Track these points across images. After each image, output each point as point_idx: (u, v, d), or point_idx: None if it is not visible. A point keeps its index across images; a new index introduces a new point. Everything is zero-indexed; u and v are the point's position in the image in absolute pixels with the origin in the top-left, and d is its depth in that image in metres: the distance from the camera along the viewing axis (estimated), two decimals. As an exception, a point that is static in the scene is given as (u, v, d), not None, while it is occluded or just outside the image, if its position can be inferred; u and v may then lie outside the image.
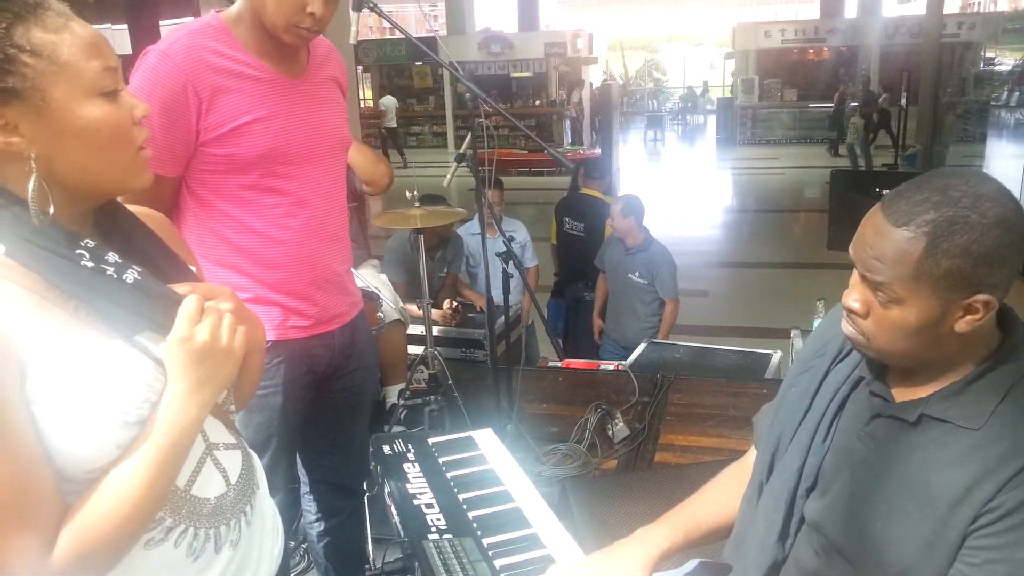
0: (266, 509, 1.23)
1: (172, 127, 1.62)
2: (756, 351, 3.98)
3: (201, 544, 1.04)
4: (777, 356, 3.91)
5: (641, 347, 4.09)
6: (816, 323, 3.78)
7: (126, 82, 1.00)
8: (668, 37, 39.85)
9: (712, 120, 21.86)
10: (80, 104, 0.91)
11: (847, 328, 1.15)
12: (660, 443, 2.98)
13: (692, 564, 1.53)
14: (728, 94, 21.36)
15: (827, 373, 1.26)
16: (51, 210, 0.91)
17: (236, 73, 1.66)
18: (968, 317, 1.05)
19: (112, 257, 0.95)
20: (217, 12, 1.72)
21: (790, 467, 1.24)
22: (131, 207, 1.11)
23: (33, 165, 0.90)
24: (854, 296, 1.12)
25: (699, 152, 19.80)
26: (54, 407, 0.89)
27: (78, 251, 0.92)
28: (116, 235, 1.03)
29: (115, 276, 0.93)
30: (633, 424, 3.05)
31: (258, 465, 1.22)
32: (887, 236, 1.04)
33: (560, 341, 4.09)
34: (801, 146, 18.39)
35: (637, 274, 4.34)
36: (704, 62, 34.63)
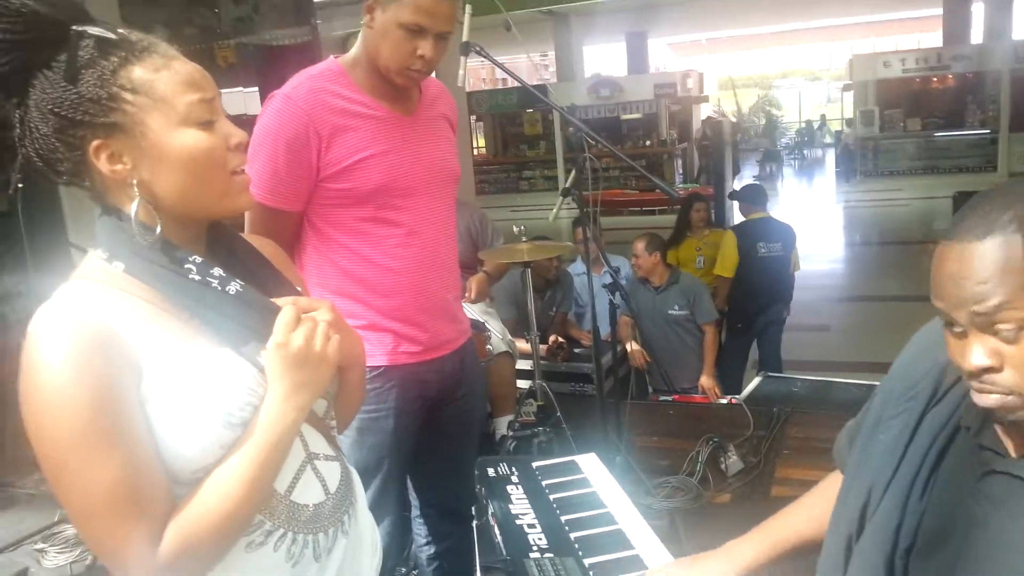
0: (364, 523, 1.26)
1: (295, 165, 1.74)
2: (878, 384, 3.79)
3: (300, 550, 1.08)
4: (902, 389, 3.72)
5: (756, 380, 3.97)
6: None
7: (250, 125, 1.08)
8: (782, 73, 39.07)
9: (831, 153, 21.22)
10: (175, 133, 0.99)
11: (988, 400, 0.93)
12: (776, 477, 2.87)
13: None
14: (846, 127, 20.70)
15: (921, 418, 1.09)
16: (158, 230, 1.00)
17: (353, 113, 1.78)
18: None
19: (217, 271, 1.02)
20: (335, 57, 1.85)
21: (886, 527, 1.09)
22: (249, 237, 1.19)
23: (136, 190, 0.99)
24: (975, 353, 0.91)
25: (818, 186, 19.21)
26: (165, 407, 0.96)
27: (187, 265, 1.01)
28: (222, 252, 1.11)
29: (219, 288, 1.01)
30: (748, 458, 2.95)
31: (357, 480, 1.26)
32: (977, 256, 0.89)
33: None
34: (926, 176, 17.54)
35: (676, 307, 4.30)
36: (820, 96, 33.70)
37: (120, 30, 0.99)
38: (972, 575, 1.00)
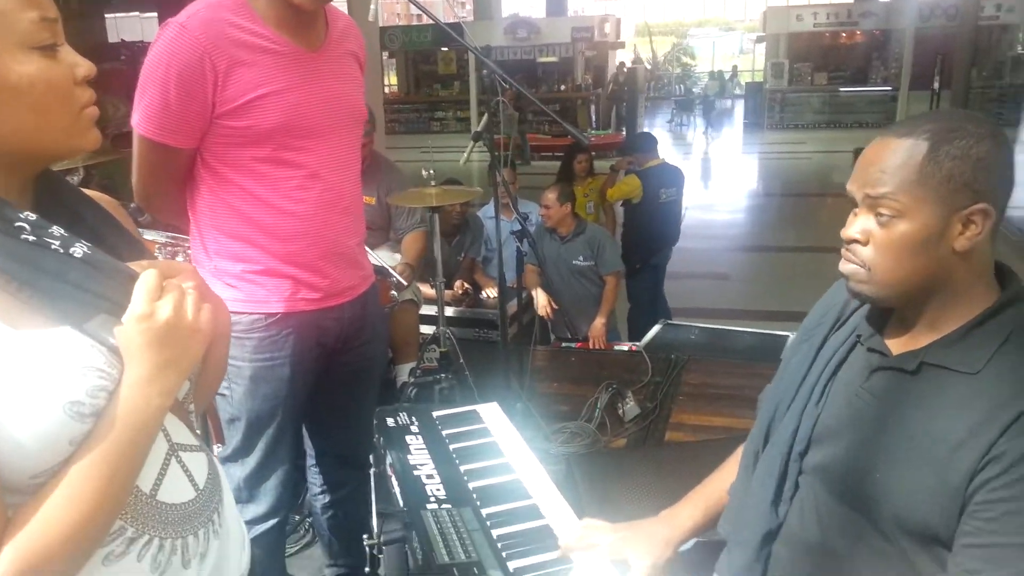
0: (231, 520, 1.12)
1: (188, 99, 1.64)
2: (773, 333, 3.94)
3: (167, 557, 0.94)
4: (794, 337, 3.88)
5: (656, 328, 4.07)
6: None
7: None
8: (698, 21, 39.44)
9: (740, 104, 21.67)
10: (12, 58, 0.82)
11: (846, 266, 1.15)
12: (671, 422, 2.96)
13: (689, 544, 1.53)
14: (758, 79, 21.14)
15: (825, 340, 1.26)
16: None
17: (254, 46, 1.67)
18: (968, 232, 1.06)
19: (57, 231, 0.82)
20: None
21: (784, 433, 1.24)
22: (88, 192, 1.02)
23: None
24: (852, 226, 1.13)
25: (726, 137, 19.62)
26: None
27: (17, 224, 0.80)
28: (61, 211, 0.92)
29: (61, 250, 0.81)
30: (644, 404, 3.04)
31: (222, 471, 1.12)
32: (890, 147, 1.08)
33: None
34: (829, 130, 18.15)
35: (581, 258, 4.35)
36: (734, 47, 34.20)
37: None
38: (855, 460, 1.14)
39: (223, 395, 1.83)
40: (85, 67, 0.89)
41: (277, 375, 1.84)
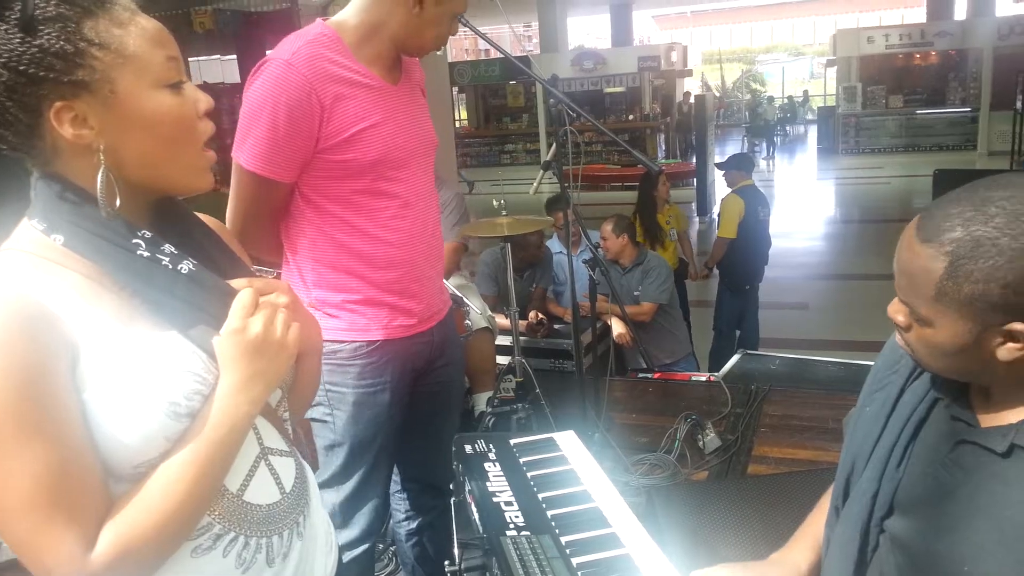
0: (318, 523, 1.18)
1: (295, 133, 1.67)
2: (857, 362, 3.82)
3: (252, 555, 1.00)
4: (880, 367, 3.75)
5: (735, 358, 3.99)
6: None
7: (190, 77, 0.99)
8: (766, 47, 39.05)
9: (813, 129, 21.30)
10: (146, 95, 0.90)
11: (897, 338, 1.07)
12: (754, 455, 2.89)
13: None
14: (830, 103, 20.77)
15: (902, 391, 1.15)
16: (118, 203, 0.90)
17: (352, 81, 1.73)
18: (1009, 345, 0.93)
19: (168, 248, 0.93)
20: (323, 20, 1.78)
21: (864, 495, 1.14)
22: (198, 214, 1.10)
23: (101, 158, 0.89)
24: (895, 307, 1.03)
25: (799, 163, 19.28)
26: (104, 394, 0.86)
27: (134, 240, 0.91)
28: (174, 229, 1.00)
29: (170, 266, 0.92)
30: (725, 435, 2.97)
31: (311, 477, 1.18)
32: (913, 251, 0.96)
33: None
34: (907, 154, 17.65)
35: (640, 288, 4.31)
36: (804, 72, 33.72)
37: None
38: (941, 541, 1.03)
39: (324, 421, 1.87)
40: (205, 101, 0.97)
41: (378, 400, 1.87)
